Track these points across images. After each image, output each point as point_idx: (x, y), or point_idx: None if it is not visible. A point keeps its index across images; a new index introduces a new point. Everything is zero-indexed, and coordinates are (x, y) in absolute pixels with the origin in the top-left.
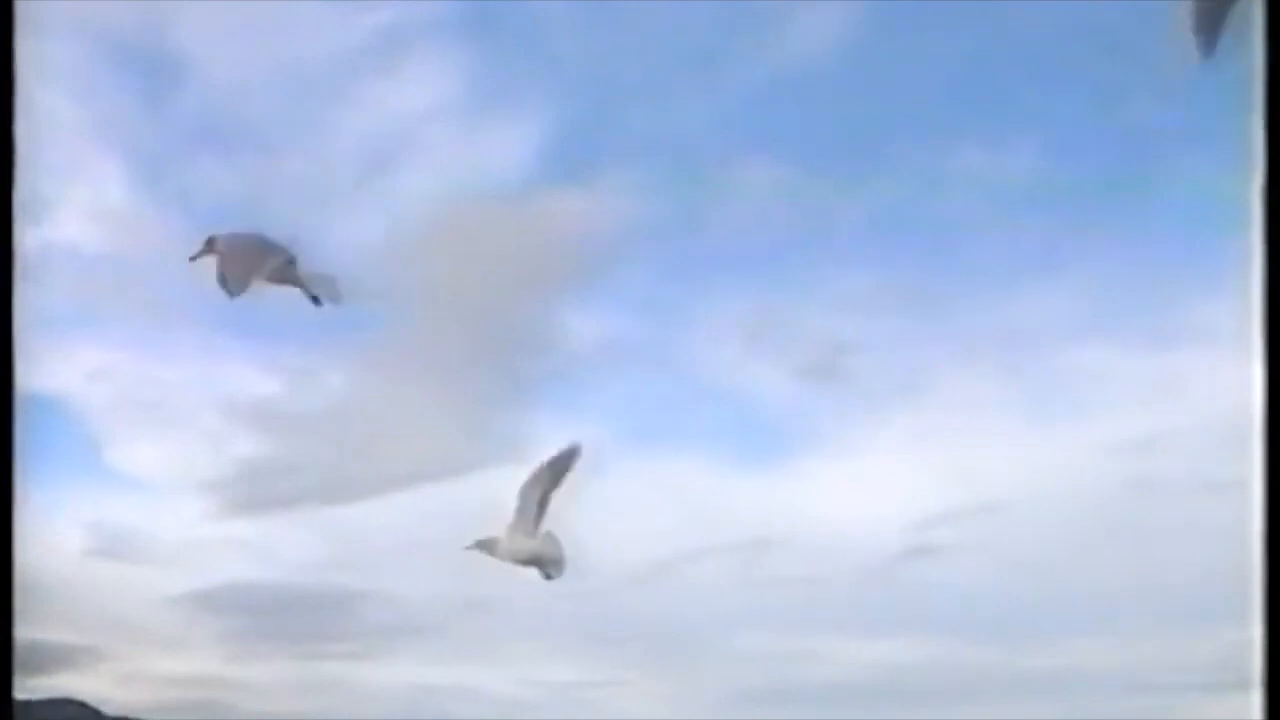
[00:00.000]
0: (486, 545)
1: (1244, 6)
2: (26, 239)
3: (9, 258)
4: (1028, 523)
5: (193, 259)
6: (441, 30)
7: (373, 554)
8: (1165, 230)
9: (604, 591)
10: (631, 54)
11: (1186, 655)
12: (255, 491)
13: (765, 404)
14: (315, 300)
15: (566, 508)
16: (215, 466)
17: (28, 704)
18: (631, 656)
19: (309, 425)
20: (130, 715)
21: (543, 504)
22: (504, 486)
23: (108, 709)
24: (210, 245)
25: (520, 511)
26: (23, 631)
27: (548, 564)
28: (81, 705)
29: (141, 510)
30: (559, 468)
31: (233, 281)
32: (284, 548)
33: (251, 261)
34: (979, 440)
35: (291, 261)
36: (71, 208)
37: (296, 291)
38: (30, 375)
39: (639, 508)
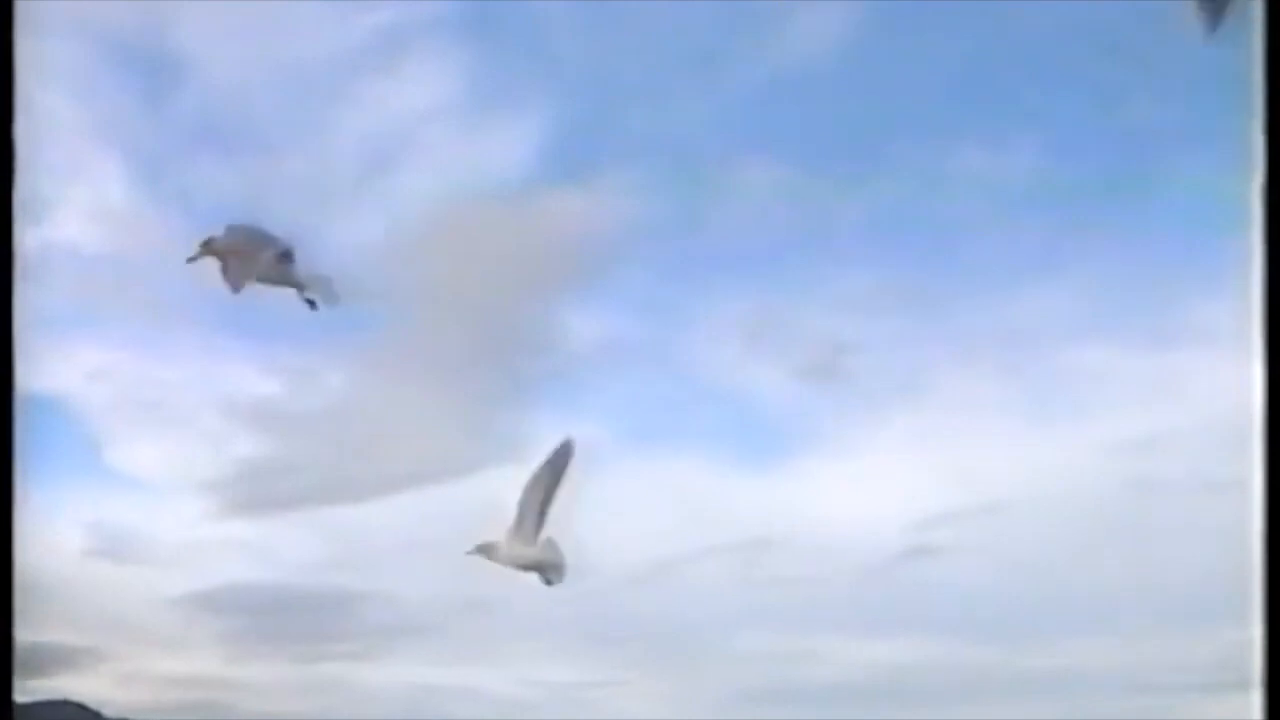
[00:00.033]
0: (487, 550)
1: None
2: (26, 239)
3: (9, 258)
4: (1028, 523)
5: (190, 260)
6: (441, 30)
7: (373, 554)
8: (1165, 230)
9: (604, 592)
10: (631, 54)
11: (1186, 655)
12: (255, 492)
13: (765, 404)
14: (310, 304)
15: (566, 508)
16: (215, 467)
17: (27, 705)
18: (631, 657)
19: (309, 425)
20: (130, 716)
21: (544, 508)
22: (504, 487)
23: (108, 710)
24: (207, 246)
25: (521, 517)
26: (22, 632)
27: (548, 570)
28: (81, 706)
29: (141, 510)
30: (557, 466)
31: (233, 276)
32: (284, 548)
33: (252, 254)
34: (979, 440)
35: (288, 254)
36: (71, 208)
37: (294, 292)
38: (30, 375)
39: (639, 508)
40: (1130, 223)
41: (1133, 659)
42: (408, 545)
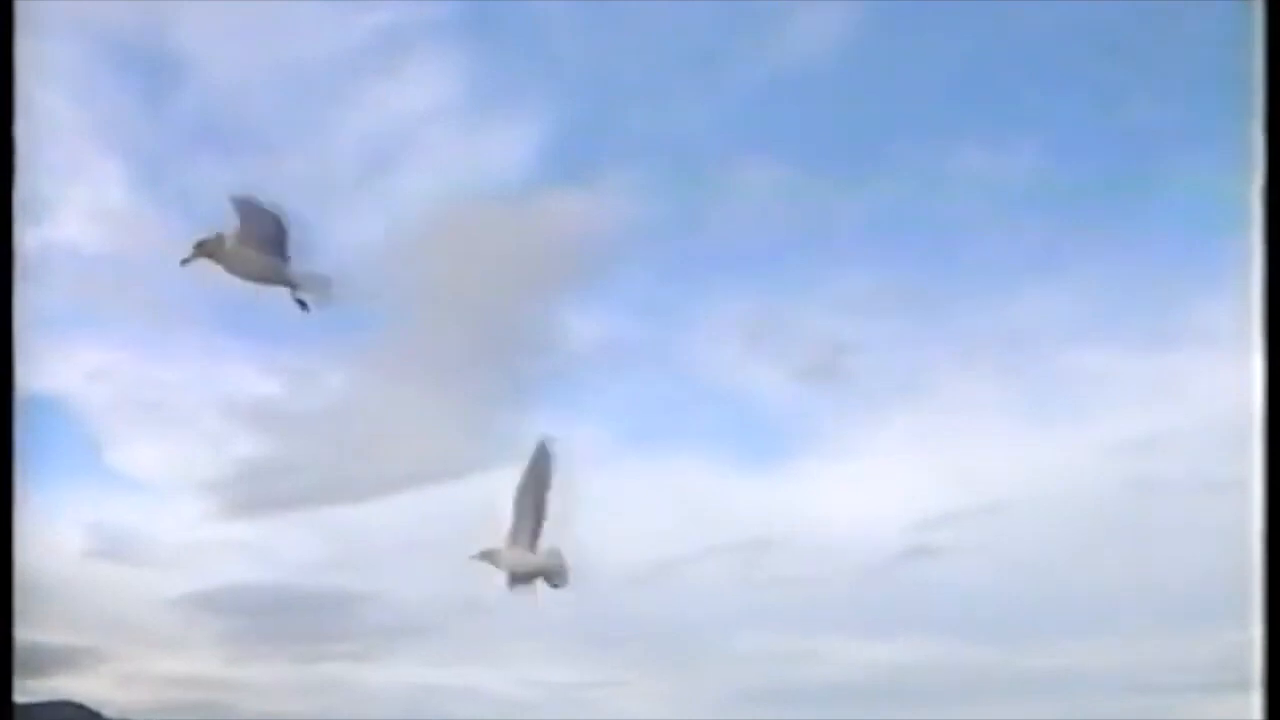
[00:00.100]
0: (490, 557)
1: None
2: (26, 239)
3: (9, 258)
4: (1028, 523)
5: (184, 262)
6: (441, 30)
7: (373, 555)
8: (1165, 231)
9: (604, 592)
10: (631, 54)
11: (1186, 655)
12: (255, 492)
13: (765, 404)
14: (301, 304)
15: (566, 509)
16: (215, 467)
17: (27, 706)
18: (631, 657)
19: (309, 426)
20: (130, 717)
21: (539, 511)
22: (504, 487)
23: (108, 710)
24: (201, 248)
25: (517, 523)
26: (22, 633)
27: (553, 575)
28: (81, 707)
29: (141, 511)
30: (538, 469)
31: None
32: (284, 548)
33: (249, 251)
34: (979, 441)
35: (280, 224)
36: (71, 208)
37: (288, 292)
38: (30, 375)
39: (639, 508)
40: (1130, 223)
41: (1133, 659)
42: (408, 545)
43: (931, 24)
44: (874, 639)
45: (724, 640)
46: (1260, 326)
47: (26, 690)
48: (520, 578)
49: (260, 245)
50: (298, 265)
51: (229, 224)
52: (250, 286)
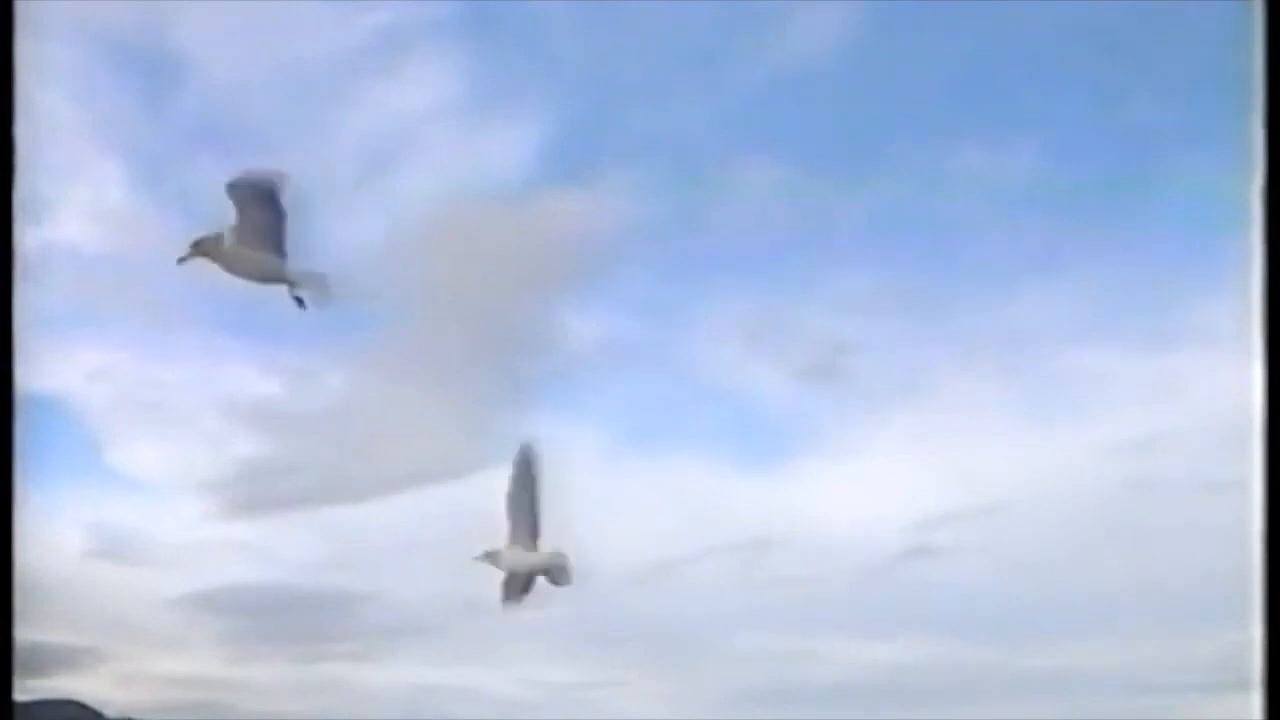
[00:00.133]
0: (493, 558)
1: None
2: (26, 239)
3: (9, 258)
4: (1028, 523)
5: (181, 261)
6: (441, 31)
7: (373, 555)
8: (1165, 231)
9: (604, 592)
10: (631, 54)
11: (1186, 656)
12: (255, 492)
13: (765, 404)
14: (299, 302)
15: (566, 509)
16: (215, 467)
17: (28, 705)
18: (631, 657)
19: (309, 426)
20: (131, 716)
21: (533, 511)
22: (504, 487)
23: (108, 710)
24: (198, 247)
25: (514, 526)
26: (23, 632)
27: (556, 574)
28: (81, 706)
29: (141, 511)
30: (524, 473)
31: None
32: (284, 548)
33: (247, 251)
34: (979, 441)
35: (281, 181)
36: (71, 208)
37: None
38: (30, 375)
39: (639, 508)
40: (1130, 223)
41: (1133, 659)
42: (408, 545)
43: (931, 24)
44: (874, 639)
45: (724, 640)
46: (1260, 326)
47: (27, 689)
48: (520, 579)
49: (258, 242)
50: (295, 263)
51: (227, 219)
52: (249, 286)
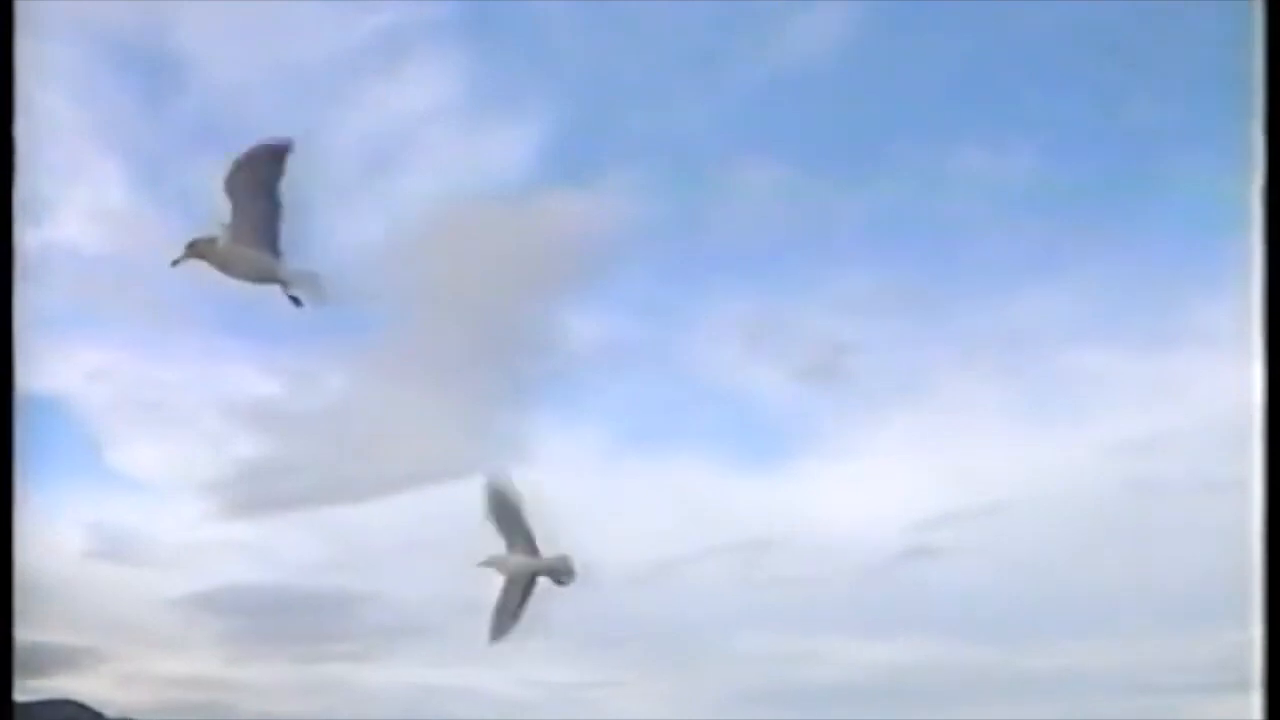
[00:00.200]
0: (497, 563)
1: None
2: (26, 239)
3: (9, 258)
4: (1028, 523)
5: (175, 263)
6: (442, 31)
7: (373, 555)
8: (1165, 231)
9: (604, 592)
10: (631, 54)
11: (1186, 656)
12: (255, 492)
13: (765, 405)
14: (295, 301)
15: (567, 509)
16: (215, 467)
17: (28, 706)
18: (631, 657)
19: (309, 426)
20: (130, 717)
21: (522, 526)
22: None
23: (108, 710)
24: (193, 249)
25: (509, 540)
26: (23, 633)
27: (560, 574)
28: (81, 707)
29: (142, 511)
30: (498, 504)
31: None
32: (284, 549)
33: (243, 251)
34: (979, 441)
35: (287, 148)
36: (71, 208)
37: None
38: (30, 375)
39: (639, 508)
40: (1130, 224)
41: (1133, 659)
42: (408, 546)
43: (931, 24)
44: (874, 639)
45: (724, 640)
46: (1260, 327)
47: (27, 690)
48: (522, 581)
49: (252, 241)
50: (289, 262)
51: (223, 217)
52: (248, 286)
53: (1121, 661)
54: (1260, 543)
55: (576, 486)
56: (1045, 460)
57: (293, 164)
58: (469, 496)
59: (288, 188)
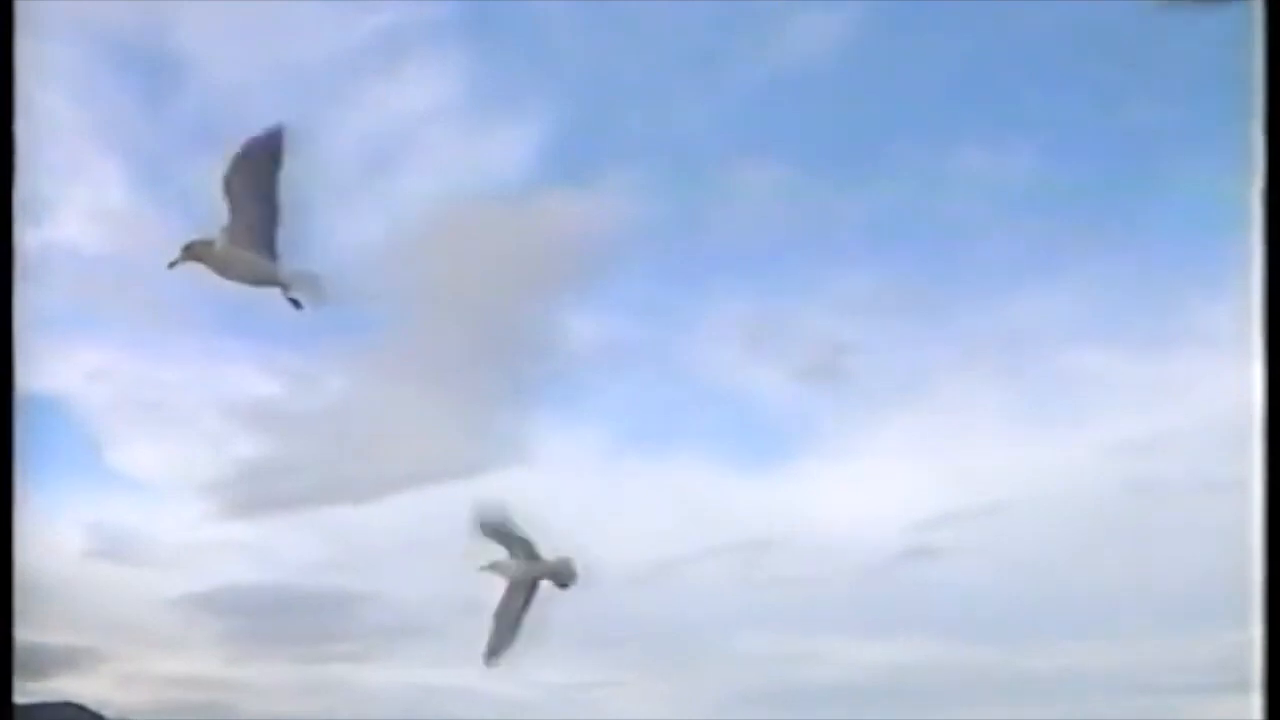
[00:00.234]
0: (499, 568)
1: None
2: (26, 239)
3: (9, 258)
4: (1028, 524)
5: (171, 265)
6: (441, 31)
7: (373, 555)
8: (1165, 232)
9: (604, 592)
10: (631, 54)
11: (1186, 656)
12: (255, 492)
13: (765, 405)
14: (295, 304)
15: (567, 509)
16: (215, 467)
17: (28, 706)
18: (631, 657)
19: (309, 426)
20: (131, 717)
21: (514, 535)
22: (504, 488)
23: (108, 711)
24: (189, 251)
25: (509, 550)
26: (22, 633)
27: (562, 576)
28: (81, 708)
29: (141, 511)
30: (490, 532)
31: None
32: (284, 549)
33: (239, 253)
34: (979, 441)
35: (279, 135)
36: (71, 208)
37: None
38: (30, 375)
39: (639, 508)
40: (1130, 224)
41: (1133, 660)
42: (408, 546)
43: (931, 24)
44: (874, 639)
45: (724, 640)
46: (1260, 327)
47: (27, 691)
48: (524, 585)
49: (249, 243)
50: (288, 264)
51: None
52: (246, 286)
53: (1121, 662)
54: (1260, 543)
55: (576, 487)
56: (1045, 460)
57: (292, 164)
58: (469, 497)
59: (287, 188)
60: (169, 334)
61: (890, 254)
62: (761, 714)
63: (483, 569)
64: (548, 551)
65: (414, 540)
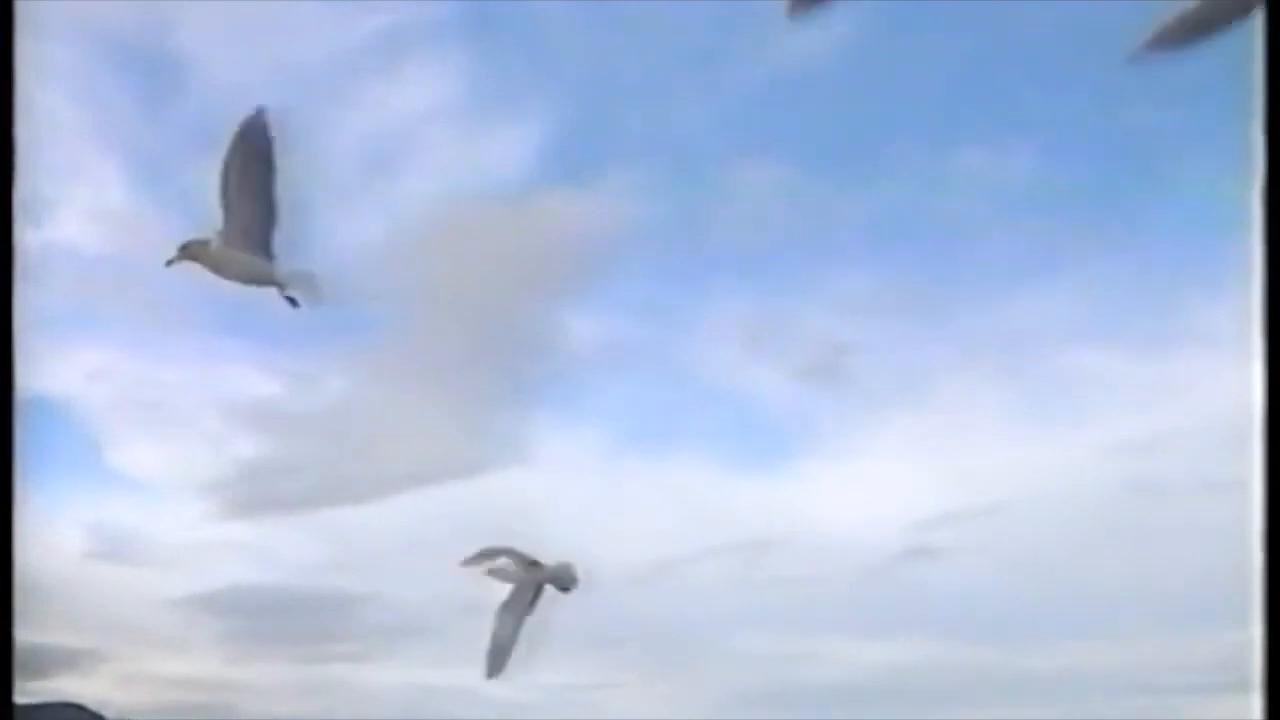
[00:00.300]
0: (500, 573)
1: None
2: (26, 239)
3: (9, 258)
4: (1028, 524)
5: (169, 264)
6: (441, 32)
7: (373, 555)
8: (1165, 232)
9: (604, 593)
10: (631, 54)
11: (1186, 656)
12: (255, 493)
13: (765, 405)
14: (292, 302)
15: (567, 509)
16: (215, 468)
17: (28, 707)
18: (632, 658)
19: (309, 427)
20: (131, 717)
21: (511, 555)
22: (504, 488)
23: (108, 711)
24: (186, 250)
25: (508, 556)
26: (23, 634)
27: (563, 580)
28: (81, 708)
29: (141, 511)
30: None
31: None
32: (284, 549)
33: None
34: (979, 441)
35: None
36: (71, 208)
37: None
38: (30, 375)
39: (639, 509)
40: (1130, 225)
41: (1132, 660)
42: (408, 546)
43: (931, 24)
44: (874, 639)
45: (724, 640)
46: (1260, 327)
47: (27, 691)
48: (528, 589)
49: (245, 244)
50: (285, 264)
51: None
52: (247, 287)
53: (1121, 662)
54: (1260, 543)
55: (576, 487)
56: (1045, 460)
57: (292, 164)
58: (469, 497)
59: (286, 188)
60: (169, 334)
61: (890, 254)
62: (761, 714)
63: (484, 574)
64: (548, 554)
65: (414, 540)
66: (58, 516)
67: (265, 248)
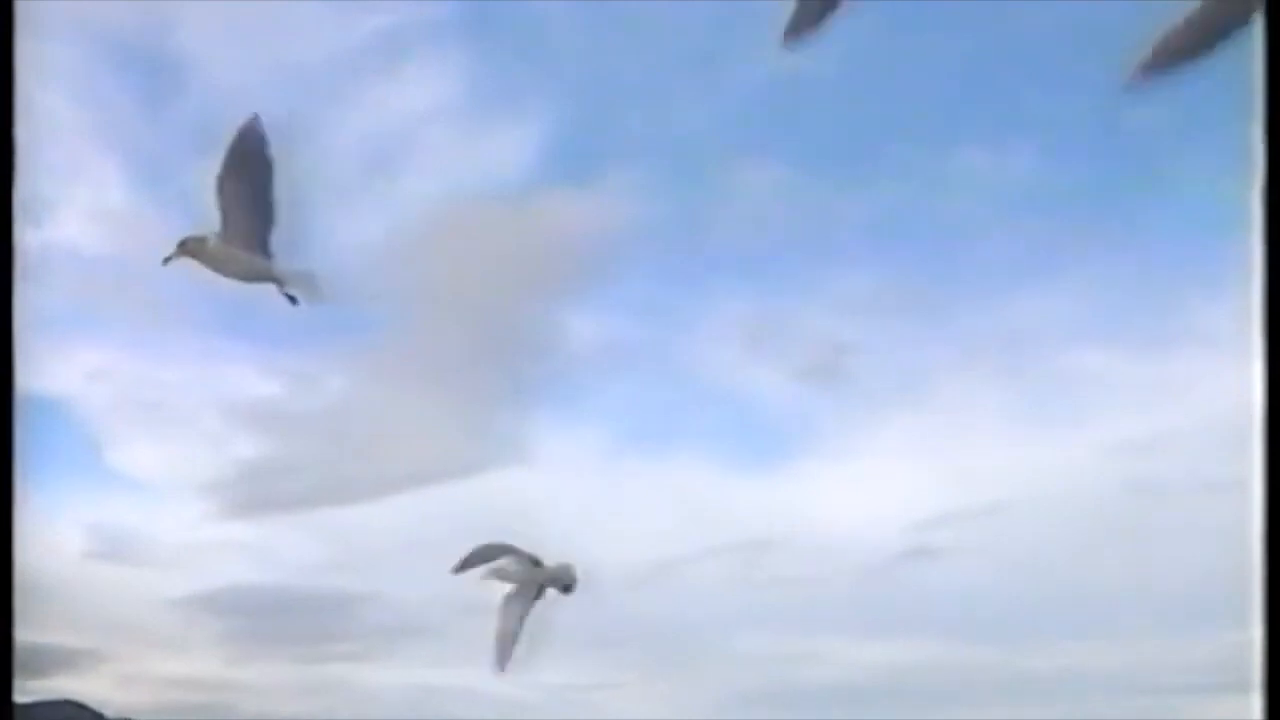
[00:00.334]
0: (500, 574)
1: None
2: (26, 239)
3: (9, 258)
4: (1028, 524)
5: (166, 261)
6: (442, 32)
7: (373, 555)
8: (1165, 232)
9: (604, 593)
10: (631, 54)
11: (1186, 656)
12: (255, 493)
13: (765, 405)
14: (291, 299)
15: (567, 509)
16: (215, 468)
17: (28, 706)
18: (632, 658)
19: (309, 427)
20: (131, 717)
21: (513, 551)
22: (504, 488)
23: (108, 711)
24: (184, 247)
25: (508, 556)
26: (23, 633)
27: (564, 581)
28: (81, 707)
29: (141, 511)
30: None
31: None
32: (284, 549)
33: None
34: (979, 441)
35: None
36: (71, 208)
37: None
38: (30, 376)
39: (639, 509)
40: (1130, 224)
41: (1132, 660)
42: (407, 546)
43: (931, 24)
44: (874, 639)
45: (724, 641)
46: (1260, 327)
47: (27, 691)
48: (529, 590)
49: (243, 242)
50: (284, 262)
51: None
52: (248, 286)
53: (1121, 662)
54: (1260, 543)
55: (576, 487)
56: (1045, 460)
57: (292, 164)
58: (469, 497)
59: (286, 188)
60: (169, 334)
61: (890, 254)
62: (761, 714)
63: (484, 575)
64: (548, 554)
65: (414, 540)
66: (58, 516)
67: (264, 247)
